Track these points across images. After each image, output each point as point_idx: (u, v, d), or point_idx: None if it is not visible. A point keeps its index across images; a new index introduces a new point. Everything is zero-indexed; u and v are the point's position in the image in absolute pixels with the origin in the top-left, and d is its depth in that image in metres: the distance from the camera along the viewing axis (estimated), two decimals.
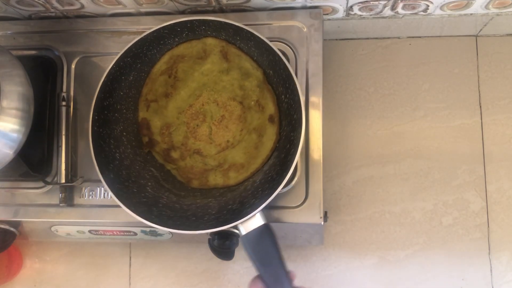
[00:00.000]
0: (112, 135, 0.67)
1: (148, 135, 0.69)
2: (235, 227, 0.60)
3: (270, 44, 0.61)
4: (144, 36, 0.64)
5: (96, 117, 0.64)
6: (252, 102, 0.68)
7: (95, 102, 0.64)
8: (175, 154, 0.69)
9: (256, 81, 0.67)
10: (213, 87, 0.69)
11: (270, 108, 0.67)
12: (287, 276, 0.58)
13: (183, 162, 0.69)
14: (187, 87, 0.69)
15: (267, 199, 0.59)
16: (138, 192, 0.65)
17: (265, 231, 0.60)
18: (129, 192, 0.64)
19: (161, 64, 0.69)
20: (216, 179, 0.68)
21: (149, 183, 0.67)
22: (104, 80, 0.64)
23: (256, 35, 0.62)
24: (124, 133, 0.68)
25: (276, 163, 0.65)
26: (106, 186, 0.62)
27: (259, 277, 0.59)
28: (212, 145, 0.69)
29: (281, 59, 0.61)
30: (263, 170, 0.66)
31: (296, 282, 0.58)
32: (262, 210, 0.59)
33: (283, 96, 0.66)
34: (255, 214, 0.59)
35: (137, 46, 0.65)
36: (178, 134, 0.69)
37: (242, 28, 0.62)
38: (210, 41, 0.68)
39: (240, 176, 0.67)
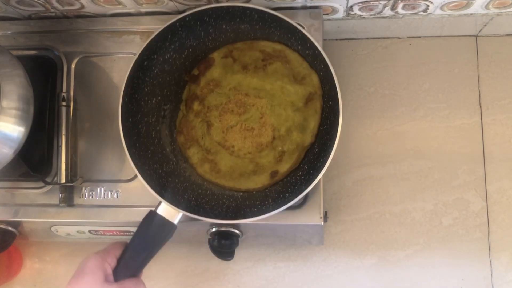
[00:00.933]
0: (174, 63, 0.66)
1: (201, 73, 0.67)
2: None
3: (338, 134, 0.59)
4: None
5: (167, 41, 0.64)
6: (280, 148, 0.65)
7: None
8: (196, 106, 0.67)
9: (301, 140, 0.64)
10: (274, 105, 0.65)
11: (284, 168, 0.64)
12: (136, 272, 0.57)
13: (192, 117, 0.67)
14: (263, 82, 0.65)
15: (207, 216, 0.60)
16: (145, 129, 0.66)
17: (169, 229, 0.59)
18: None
19: (270, 45, 0.66)
20: (194, 154, 0.67)
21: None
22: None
23: (339, 121, 0.59)
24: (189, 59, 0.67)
25: (237, 197, 0.65)
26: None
27: (124, 246, 0.58)
28: (221, 134, 0.66)
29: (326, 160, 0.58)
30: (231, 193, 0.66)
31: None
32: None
33: (300, 172, 0.64)
34: (180, 213, 0.59)
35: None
36: (214, 99, 0.66)
37: (340, 105, 0.60)
38: (317, 88, 0.65)
39: (207, 175, 0.66)
